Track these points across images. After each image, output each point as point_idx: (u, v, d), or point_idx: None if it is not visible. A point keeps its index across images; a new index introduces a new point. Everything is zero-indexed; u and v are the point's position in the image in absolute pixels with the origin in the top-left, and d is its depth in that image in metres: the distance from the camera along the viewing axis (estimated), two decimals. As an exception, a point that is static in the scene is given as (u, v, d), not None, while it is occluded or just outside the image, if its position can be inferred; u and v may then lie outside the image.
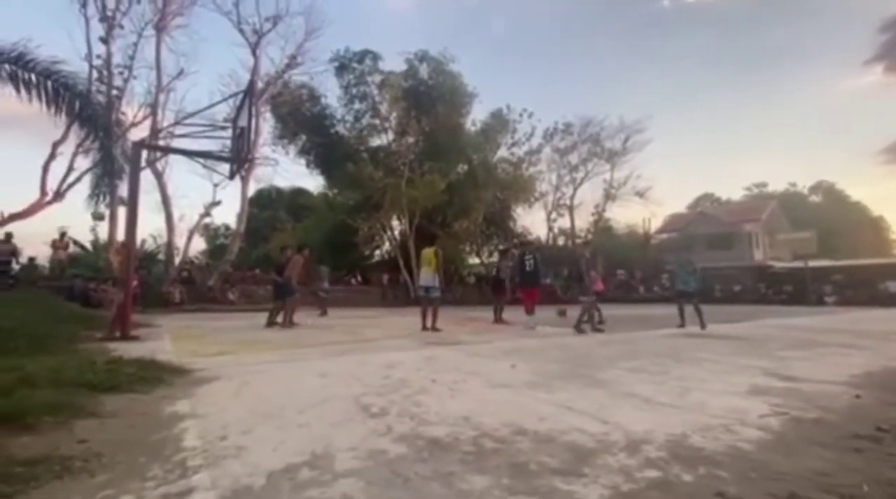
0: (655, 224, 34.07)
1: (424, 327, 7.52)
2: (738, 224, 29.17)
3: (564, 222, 28.44)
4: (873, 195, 70.95)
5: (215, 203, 19.49)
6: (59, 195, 15.57)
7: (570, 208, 28.02)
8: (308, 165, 23.33)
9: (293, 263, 8.79)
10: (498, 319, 9.47)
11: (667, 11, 65.17)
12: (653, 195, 28.74)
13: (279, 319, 8.41)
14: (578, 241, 25.70)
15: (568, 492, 1.59)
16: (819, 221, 34.28)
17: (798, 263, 25.55)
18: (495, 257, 26.34)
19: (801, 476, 1.71)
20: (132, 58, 17.06)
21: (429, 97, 21.88)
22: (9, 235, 13.22)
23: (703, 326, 7.71)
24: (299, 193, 31.08)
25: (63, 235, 15.54)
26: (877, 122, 65.15)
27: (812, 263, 24.56)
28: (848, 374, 3.83)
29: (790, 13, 63.81)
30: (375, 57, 21.95)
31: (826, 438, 2.17)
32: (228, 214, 40.63)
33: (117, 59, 16.78)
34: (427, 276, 7.83)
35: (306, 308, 11.42)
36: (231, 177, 9.63)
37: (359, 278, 24.84)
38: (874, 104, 64.77)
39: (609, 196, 28.56)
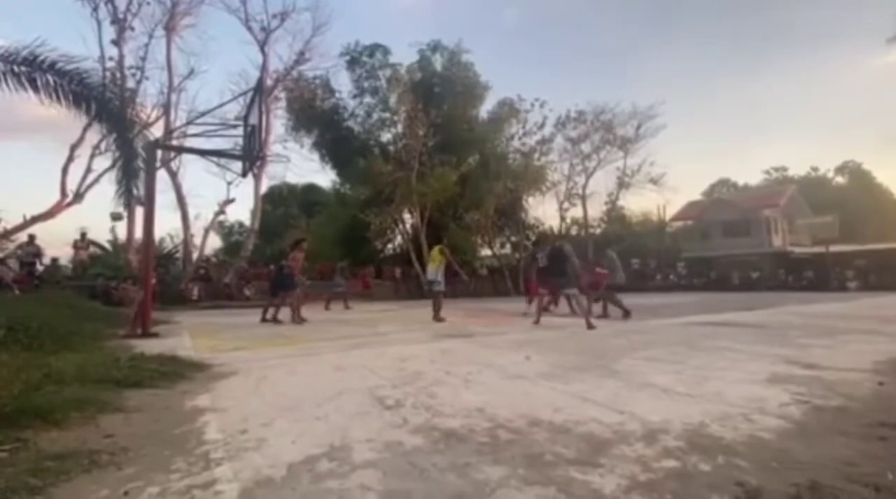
0: (671, 211, 33.53)
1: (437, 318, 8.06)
2: (755, 210, 28.50)
3: (577, 212, 28.13)
4: (897, 176, 68.59)
5: (229, 201, 19.76)
6: (78, 196, 15.95)
7: (583, 198, 27.65)
8: (322, 159, 23.50)
9: (294, 258, 8.69)
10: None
11: (682, -8, 63.38)
12: (667, 182, 28.09)
13: (268, 315, 8.38)
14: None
15: (584, 482, 1.59)
16: (843, 204, 33.33)
17: (819, 249, 24.96)
18: (507, 249, 26.31)
19: (823, 465, 1.69)
20: (143, 59, 17.29)
21: (440, 89, 21.80)
22: (32, 237, 13.59)
23: (590, 325, 6.51)
24: (311, 189, 31.36)
25: (84, 235, 15.93)
26: (900, 101, 62.85)
27: (834, 248, 23.96)
28: (871, 361, 3.74)
29: (811, -10, 61.56)
30: (386, 51, 21.91)
31: (849, 426, 2.13)
32: (242, 212, 41.11)
33: (129, 60, 17.03)
34: (431, 270, 8.58)
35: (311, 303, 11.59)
36: (244, 175, 9.73)
37: (372, 272, 25.01)
38: (898, 83, 62.35)
39: (622, 184, 28.08)
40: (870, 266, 22.80)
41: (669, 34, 65.03)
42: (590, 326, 6.35)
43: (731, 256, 27.39)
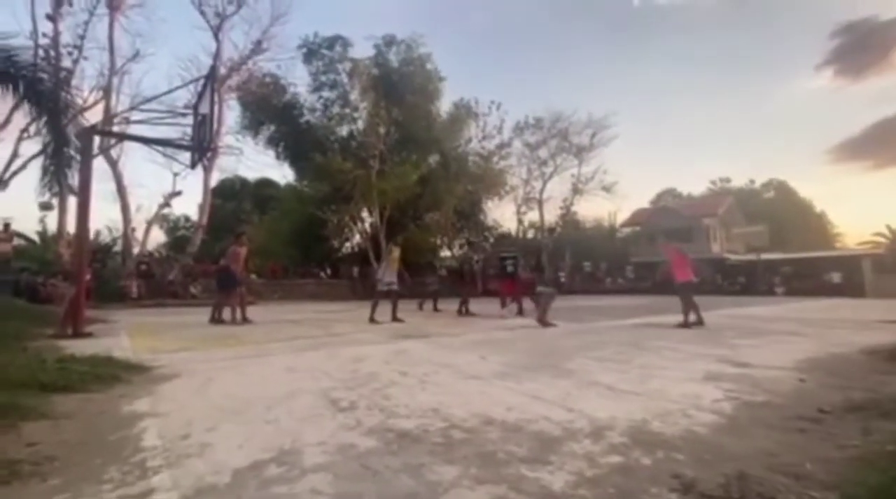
0: (621, 218, 35.11)
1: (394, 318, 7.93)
2: (697, 218, 30.43)
3: (534, 216, 28.88)
4: (820, 192, 75.39)
5: (175, 193, 18.74)
6: (1, 183, 14.58)
7: (540, 202, 28.45)
8: (277, 157, 22.68)
9: (234, 254, 8.11)
10: (465, 312, 9.71)
11: (636, 12, 66.62)
12: (619, 189, 29.56)
13: (226, 315, 7.91)
14: (546, 232, 26.12)
15: (534, 479, 1.63)
16: (771, 215, 36.18)
17: (751, 256, 26.93)
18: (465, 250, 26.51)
19: (750, 457, 1.83)
20: (83, 37, 16.09)
21: (400, 85, 21.56)
22: (-55, 227, 12.28)
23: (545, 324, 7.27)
24: (265, 183, 30.25)
25: (7, 226, 14.55)
26: (825, 123, 69.21)
27: (764, 256, 25.95)
28: (793, 360, 4.08)
29: (750, 18, 66.41)
30: (346, 43, 21.39)
31: (773, 420, 2.32)
32: (190, 205, 38.95)
33: (66, 38, 15.78)
34: (382, 272, 8.44)
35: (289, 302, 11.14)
36: (192, 166, 9.25)
37: (328, 271, 24.49)
38: (823, 107, 68.58)
39: (577, 190, 29.18)
40: (794, 273, 24.89)
41: (626, 50, 68.05)
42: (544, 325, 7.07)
43: (674, 261, 28.98)
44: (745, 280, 25.35)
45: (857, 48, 54.64)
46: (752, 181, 50.28)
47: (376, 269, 8.66)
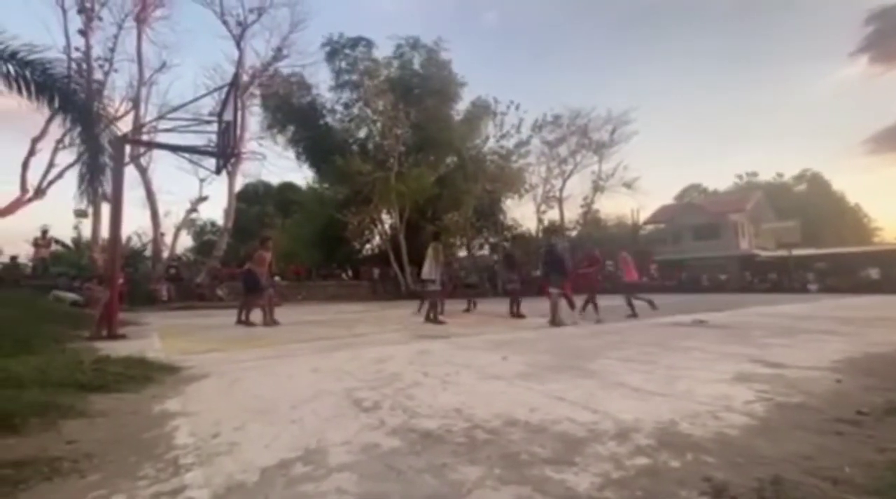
0: (644, 215, 34.41)
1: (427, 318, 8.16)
2: (724, 214, 29.57)
3: (554, 215, 28.55)
4: (856, 185, 72.36)
5: (202, 198, 19.29)
6: (39, 192, 15.27)
7: (560, 200, 28.08)
8: (298, 157, 23.12)
9: (260, 258, 8.31)
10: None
11: (658, 5, 65.35)
12: (641, 186, 28.91)
13: (254, 317, 8.10)
14: (567, 228, 25.81)
15: (559, 481, 1.61)
16: (803, 210, 34.91)
17: (782, 252, 26.02)
18: (485, 250, 26.43)
19: (785, 460, 1.76)
20: (112, 50, 16.75)
21: (419, 88, 21.72)
22: (-12, 234, 12.93)
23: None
24: (288, 187, 30.90)
25: (45, 232, 15.25)
26: (861, 112, 66.58)
27: (796, 252, 25.03)
28: (829, 359, 3.92)
29: (780, 6, 64.39)
30: (369, 44, 21.67)
31: (809, 422, 2.23)
32: (215, 210, 40.06)
33: (97, 51, 16.45)
34: (425, 269, 8.50)
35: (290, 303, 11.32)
36: (217, 172, 9.48)
37: (349, 273, 24.80)
38: (858, 95, 65.98)
39: (597, 188, 28.70)
40: (829, 269, 23.93)
41: (648, 44, 66.75)
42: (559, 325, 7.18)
43: (700, 258, 28.31)
44: (776, 277, 24.51)
45: (894, 34, 52.28)
46: (781, 175, 48.66)
47: (427, 268, 8.36)
